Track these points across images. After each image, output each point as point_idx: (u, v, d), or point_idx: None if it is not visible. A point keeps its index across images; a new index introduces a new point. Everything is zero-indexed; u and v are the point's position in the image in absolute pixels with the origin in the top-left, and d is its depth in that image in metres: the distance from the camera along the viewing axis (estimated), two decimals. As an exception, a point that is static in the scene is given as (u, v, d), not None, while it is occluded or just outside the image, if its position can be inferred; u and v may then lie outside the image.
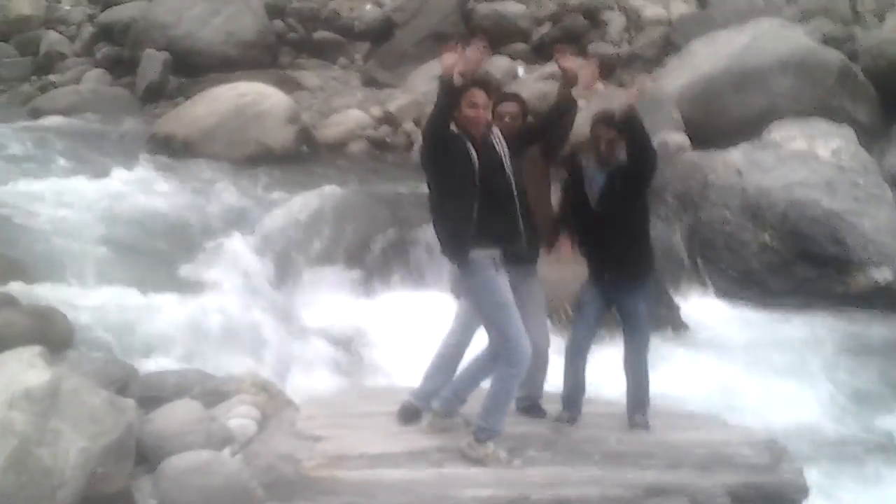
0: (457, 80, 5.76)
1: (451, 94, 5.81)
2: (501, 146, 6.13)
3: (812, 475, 6.76)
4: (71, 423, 5.48)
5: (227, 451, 6.26)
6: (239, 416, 6.78)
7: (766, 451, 6.77)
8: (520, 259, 6.31)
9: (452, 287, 9.95)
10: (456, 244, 6.00)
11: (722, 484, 6.33)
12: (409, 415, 6.69)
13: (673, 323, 11.59)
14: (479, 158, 5.95)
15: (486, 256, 6.03)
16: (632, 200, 6.69)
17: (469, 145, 5.95)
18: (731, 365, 10.33)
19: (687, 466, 6.46)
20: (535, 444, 6.49)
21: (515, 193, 6.11)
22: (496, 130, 6.20)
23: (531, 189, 6.46)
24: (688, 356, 10.55)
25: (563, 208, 6.96)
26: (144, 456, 6.18)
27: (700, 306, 12.38)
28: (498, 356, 6.19)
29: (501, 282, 6.09)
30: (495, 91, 6.39)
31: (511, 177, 6.10)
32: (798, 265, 12.63)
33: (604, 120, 6.68)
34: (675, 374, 9.83)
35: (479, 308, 6.20)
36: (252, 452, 6.39)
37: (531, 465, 6.25)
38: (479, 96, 5.99)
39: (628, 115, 6.43)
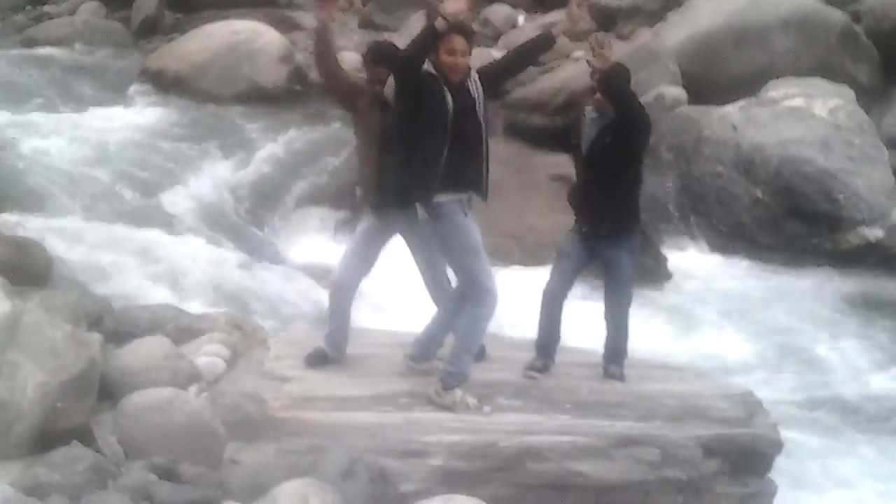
0: (440, 24, 5.63)
1: (430, 38, 5.68)
2: (477, 90, 5.98)
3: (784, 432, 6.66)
4: (30, 356, 5.36)
5: (192, 389, 6.16)
6: (208, 354, 6.68)
7: (740, 405, 6.68)
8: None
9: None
10: (425, 187, 5.87)
11: (694, 436, 6.24)
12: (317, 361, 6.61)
13: (658, 273, 11.51)
14: (453, 103, 5.82)
15: (454, 201, 5.92)
16: (620, 156, 6.54)
17: (445, 89, 5.80)
18: (711, 316, 10.28)
19: (659, 417, 6.37)
20: (505, 391, 6.39)
21: (484, 138, 5.99)
22: (474, 74, 6.04)
23: None
24: (670, 307, 10.50)
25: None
26: (109, 392, 6.07)
27: (688, 259, 12.37)
28: (466, 297, 6.10)
29: (471, 226, 6.01)
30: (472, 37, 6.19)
31: (482, 122, 5.97)
32: (789, 221, 12.53)
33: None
34: (655, 323, 9.79)
35: (448, 252, 6.10)
36: (219, 391, 6.30)
37: (501, 413, 6.16)
38: (459, 42, 5.84)
39: (603, 83, 6.33)
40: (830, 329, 10.38)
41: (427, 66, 5.79)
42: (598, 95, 6.49)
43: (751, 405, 6.71)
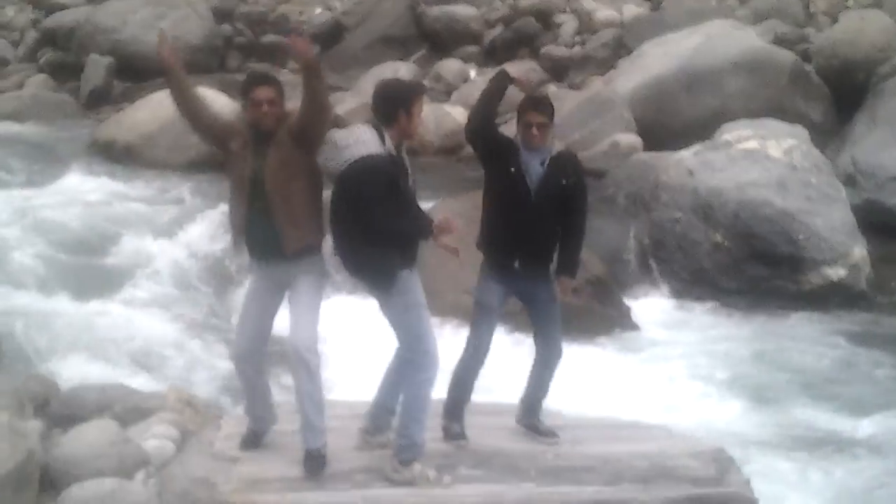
0: None
1: None
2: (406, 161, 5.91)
3: (757, 484, 6.44)
4: (-39, 452, 5.10)
5: (140, 476, 5.90)
6: (157, 437, 6.41)
7: (711, 463, 6.47)
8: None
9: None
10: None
11: (664, 498, 6.01)
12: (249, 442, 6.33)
13: (622, 324, 11.35)
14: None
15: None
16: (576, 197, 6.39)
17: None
18: (678, 366, 10.10)
19: (627, 480, 6.14)
20: (466, 460, 6.18)
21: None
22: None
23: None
24: (636, 360, 10.30)
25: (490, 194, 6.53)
26: (53, 482, 5.80)
27: (651, 307, 12.17)
28: (406, 361, 5.92)
29: (416, 281, 5.85)
30: None
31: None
32: (750, 264, 12.37)
33: (534, 104, 6.32)
34: (623, 379, 9.59)
35: (390, 309, 5.88)
36: (168, 476, 6.03)
37: (463, 483, 5.93)
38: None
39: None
40: (799, 371, 10.21)
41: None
42: (533, 129, 6.21)
43: (723, 462, 6.49)
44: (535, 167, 6.24)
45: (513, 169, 6.21)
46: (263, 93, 5.75)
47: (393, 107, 5.77)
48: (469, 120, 6.31)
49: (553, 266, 6.50)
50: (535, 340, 6.65)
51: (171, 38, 6.12)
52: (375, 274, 5.77)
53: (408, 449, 5.89)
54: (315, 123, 5.67)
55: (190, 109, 6.00)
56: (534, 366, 6.66)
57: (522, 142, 6.25)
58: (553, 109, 6.34)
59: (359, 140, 5.63)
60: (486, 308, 6.42)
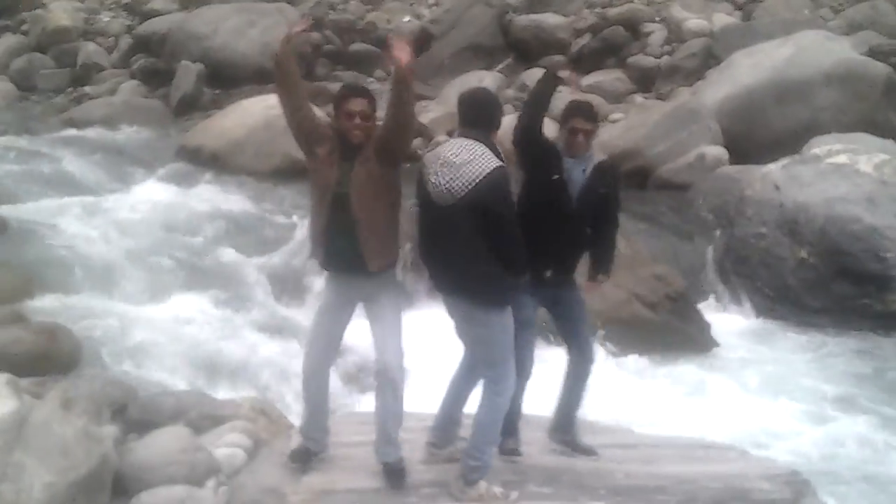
0: None
1: None
2: None
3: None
4: (37, 456, 5.19)
5: (210, 484, 5.96)
6: (228, 445, 6.47)
7: (786, 486, 6.34)
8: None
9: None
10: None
11: (737, 521, 5.93)
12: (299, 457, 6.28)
13: (701, 342, 11.18)
14: None
15: None
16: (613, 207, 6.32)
17: None
18: (758, 386, 9.89)
19: (700, 502, 6.05)
20: (535, 477, 6.13)
21: None
22: None
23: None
24: (715, 378, 10.11)
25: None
26: (125, 488, 5.88)
27: (732, 324, 11.97)
28: (475, 372, 5.92)
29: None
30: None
31: None
32: (836, 282, 12.09)
33: (582, 110, 6.17)
34: (700, 397, 9.44)
35: (489, 328, 5.77)
36: (238, 484, 6.08)
37: (531, 501, 5.88)
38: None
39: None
40: (884, 395, 9.92)
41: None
42: (579, 136, 6.10)
43: (797, 485, 6.36)
44: (577, 175, 6.13)
45: (556, 176, 6.07)
46: (357, 105, 5.71)
47: (497, 112, 5.78)
48: (518, 123, 6.03)
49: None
50: (570, 348, 6.49)
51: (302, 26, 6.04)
52: (491, 290, 5.63)
53: (477, 470, 5.85)
54: (399, 137, 5.63)
55: (293, 99, 5.86)
56: (567, 377, 6.51)
57: (566, 148, 6.12)
58: (598, 116, 6.23)
59: (476, 154, 5.52)
60: (525, 324, 6.17)
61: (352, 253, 5.72)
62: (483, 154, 5.51)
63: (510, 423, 6.34)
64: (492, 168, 5.46)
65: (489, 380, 5.82)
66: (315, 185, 5.85)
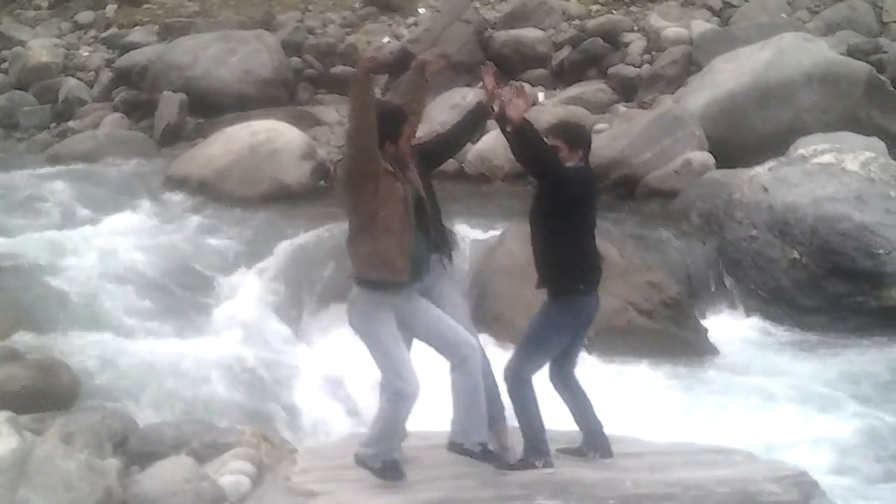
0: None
1: None
2: None
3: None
4: (41, 491, 5.18)
5: (216, 512, 5.92)
6: (233, 472, 6.44)
7: (794, 487, 6.32)
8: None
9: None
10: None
11: (748, 524, 5.90)
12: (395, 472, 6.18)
13: (699, 347, 11.19)
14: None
15: None
16: (541, 213, 6.41)
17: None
18: (758, 388, 9.88)
19: (709, 508, 6.03)
20: (544, 490, 6.09)
21: None
22: None
23: None
24: (714, 382, 10.11)
25: None
26: (130, 520, 5.85)
27: (728, 327, 12.03)
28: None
29: None
30: None
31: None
32: (829, 281, 12.15)
33: (551, 128, 6.67)
34: (701, 402, 9.43)
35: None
36: (244, 511, 6.05)
37: (541, 513, 5.85)
38: None
39: (512, 135, 6.17)
40: (883, 392, 9.93)
41: None
42: None
43: (806, 486, 6.35)
44: None
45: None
46: (411, 127, 6.08)
47: None
48: (550, 169, 6.21)
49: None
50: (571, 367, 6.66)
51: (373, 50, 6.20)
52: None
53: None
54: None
55: (370, 121, 5.78)
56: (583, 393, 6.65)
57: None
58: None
59: None
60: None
61: (427, 257, 6.09)
62: None
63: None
64: None
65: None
66: (389, 205, 5.86)
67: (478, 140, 17.30)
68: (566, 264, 6.32)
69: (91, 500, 5.38)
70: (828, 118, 15.88)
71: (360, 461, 6.04)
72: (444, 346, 6.02)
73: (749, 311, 12.40)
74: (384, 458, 6.00)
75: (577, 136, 6.51)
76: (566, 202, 6.24)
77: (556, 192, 6.23)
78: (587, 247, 6.43)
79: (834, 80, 16.43)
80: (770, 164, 13.57)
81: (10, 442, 5.30)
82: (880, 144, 13.91)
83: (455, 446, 6.15)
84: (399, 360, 5.92)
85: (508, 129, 6.11)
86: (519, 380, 6.34)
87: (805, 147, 13.86)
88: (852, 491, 7.73)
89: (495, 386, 6.38)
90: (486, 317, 11.11)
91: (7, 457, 5.20)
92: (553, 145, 6.30)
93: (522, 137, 6.05)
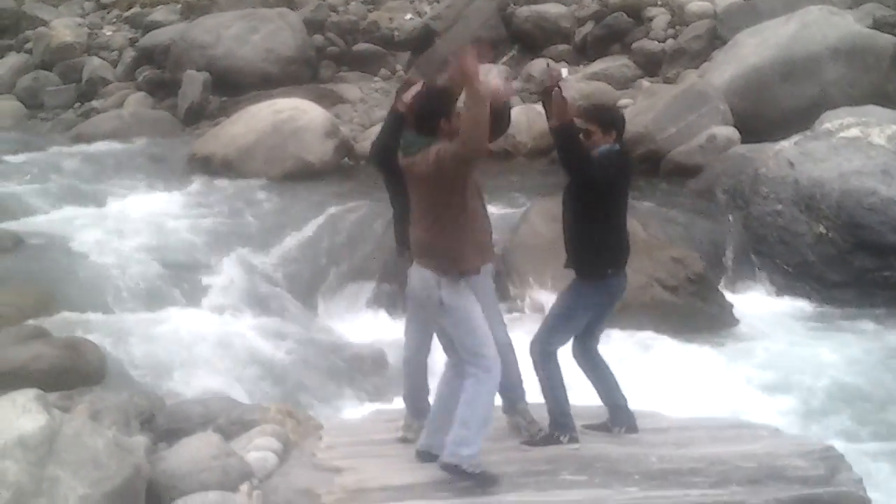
0: None
1: None
2: None
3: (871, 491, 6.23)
4: (70, 469, 5.19)
5: (243, 488, 5.94)
6: (259, 449, 6.45)
7: (820, 462, 6.29)
8: None
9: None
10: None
11: (774, 499, 5.85)
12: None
13: (725, 322, 11.17)
14: None
15: None
16: (571, 199, 6.45)
17: None
18: (786, 366, 9.80)
19: (735, 482, 5.99)
20: (569, 466, 6.09)
21: None
22: None
23: None
24: (740, 358, 10.06)
25: None
26: (158, 497, 5.87)
27: (754, 303, 11.95)
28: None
29: None
30: None
31: None
32: (856, 256, 12.06)
33: (583, 112, 6.60)
34: (726, 377, 9.39)
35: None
36: (271, 487, 6.06)
37: (565, 490, 5.85)
38: None
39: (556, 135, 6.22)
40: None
41: None
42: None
43: (832, 461, 6.31)
44: None
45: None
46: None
47: None
48: (586, 168, 6.24)
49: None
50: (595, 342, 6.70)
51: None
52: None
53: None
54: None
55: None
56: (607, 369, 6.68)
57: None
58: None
59: None
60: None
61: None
62: None
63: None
64: None
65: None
66: (471, 188, 5.89)
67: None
68: (596, 248, 6.34)
69: (120, 477, 5.40)
70: (854, 92, 15.74)
71: (452, 468, 5.74)
72: (473, 346, 5.81)
73: (775, 287, 12.32)
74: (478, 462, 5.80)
75: (610, 118, 6.49)
76: (598, 189, 6.27)
77: (587, 184, 6.28)
78: (617, 230, 6.45)
79: (860, 53, 16.27)
80: (795, 138, 13.47)
81: (39, 419, 5.32)
82: (907, 118, 13.77)
83: (450, 467, 5.79)
84: (491, 341, 5.89)
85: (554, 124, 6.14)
86: (546, 353, 6.36)
87: (831, 121, 13.76)
88: (878, 466, 7.67)
89: (517, 365, 6.36)
90: (510, 295, 11.13)
91: (36, 434, 5.22)
92: (586, 129, 6.30)
93: (563, 139, 6.14)
